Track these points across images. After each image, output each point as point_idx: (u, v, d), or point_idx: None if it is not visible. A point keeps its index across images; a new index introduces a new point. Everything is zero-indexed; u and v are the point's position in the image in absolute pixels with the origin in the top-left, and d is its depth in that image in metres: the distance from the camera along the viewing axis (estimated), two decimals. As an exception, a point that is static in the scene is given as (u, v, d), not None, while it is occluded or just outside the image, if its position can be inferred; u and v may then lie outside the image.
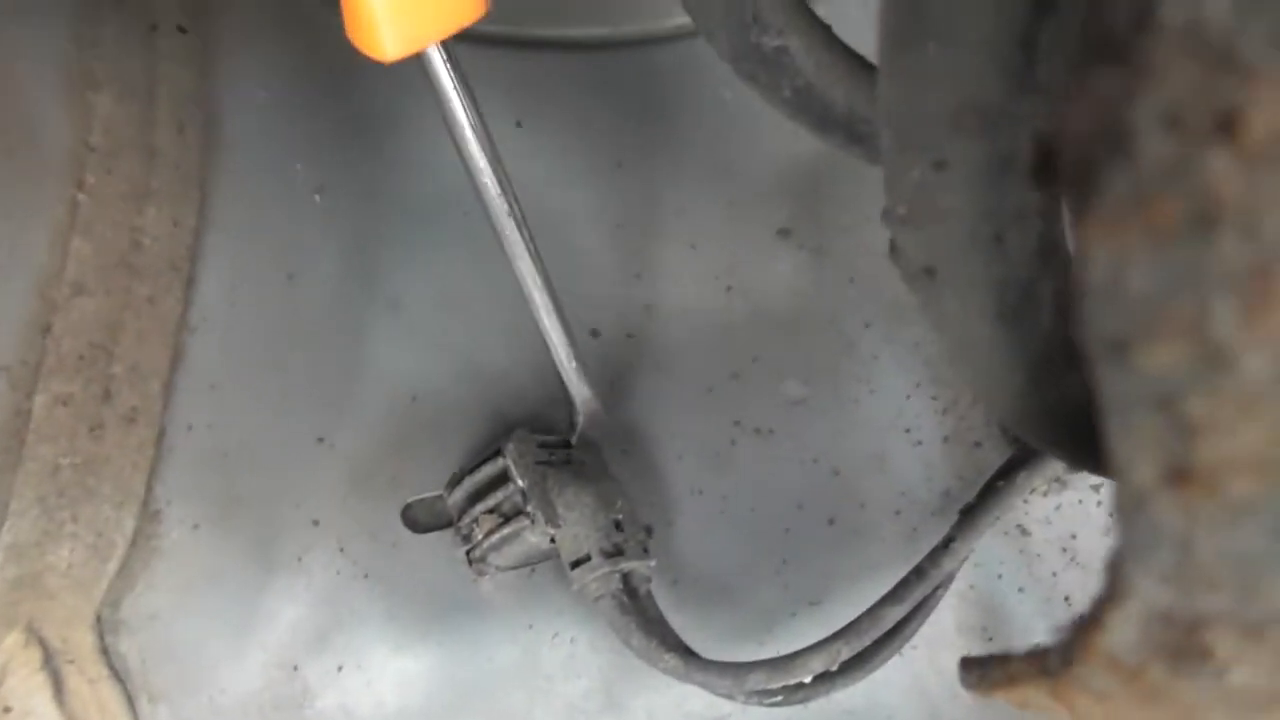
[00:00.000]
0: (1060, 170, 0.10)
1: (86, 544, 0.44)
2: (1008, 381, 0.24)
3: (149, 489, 0.46)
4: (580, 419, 0.58)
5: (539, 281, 0.50)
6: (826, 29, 0.39)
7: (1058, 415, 0.25)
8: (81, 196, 0.43)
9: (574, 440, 0.59)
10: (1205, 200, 0.09)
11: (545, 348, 0.58)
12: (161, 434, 0.46)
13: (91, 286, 0.43)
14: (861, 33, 0.39)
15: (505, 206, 0.45)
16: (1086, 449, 0.23)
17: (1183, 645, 0.14)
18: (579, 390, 0.56)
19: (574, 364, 0.55)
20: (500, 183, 0.44)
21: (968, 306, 0.23)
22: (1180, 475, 0.11)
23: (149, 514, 0.46)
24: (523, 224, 0.46)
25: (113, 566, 0.45)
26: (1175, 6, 0.08)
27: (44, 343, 0.41)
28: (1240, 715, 0.15)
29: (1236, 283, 0.10)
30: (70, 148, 0.43)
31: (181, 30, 0.49)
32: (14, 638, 0.47)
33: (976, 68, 0.18)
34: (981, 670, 0.22)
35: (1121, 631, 0.15)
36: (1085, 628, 0.16)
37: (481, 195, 0.45)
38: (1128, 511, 0.13)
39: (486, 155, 0.43)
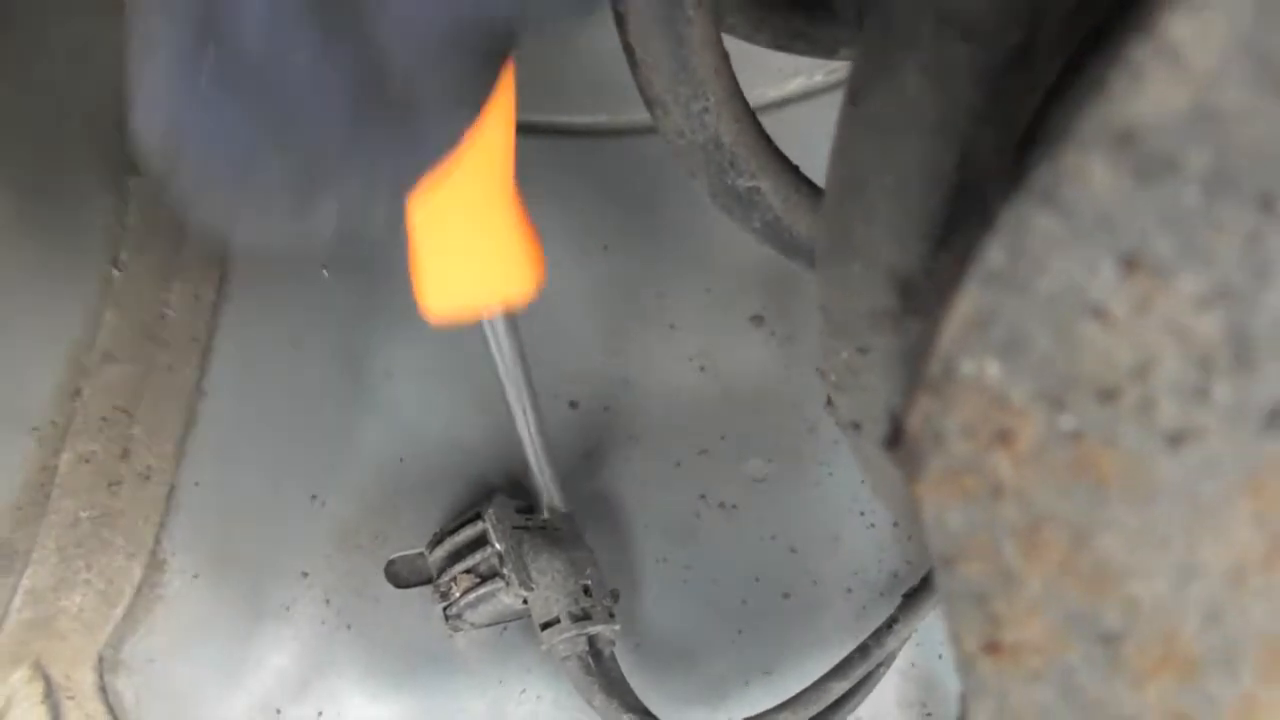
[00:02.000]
0: (904, 443, 0.15)
1: (98, 590, 0.48)
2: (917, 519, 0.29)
3: (157, 541, 0.50)
4: (544, 510, 0.62)
5: (529, 411, 0.56)
6: (795, 170, 0.44)
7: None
8: (115, 272, 0.47)
9: (539, 520, 0.62)
10: (992, 481, 0.14)
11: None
12: (172, 491, 0.50)
13: (119, 355, 0.47)
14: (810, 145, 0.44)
15: (520, 379, 0.53)
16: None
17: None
18: (547, 491, 0.61)
19: (547, 471, 0.60)
20: (519, 366, 0.52)
21: (885, 458, 0.28)
22: (992, 647, 0.16)
23: (155, 563, 0.50)
24: (528, 387, 0.54)
25: (119, 612, 0.49)
26: (969, 366, 0.13)
27: (73, 406, 0.46)
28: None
29: (1017, 531, 0.14)
30: (108, 226, 0.47)
31: (213, 119, 0.54)
32: (21, 673, 0.51)
33: (889, 284, 0.23)
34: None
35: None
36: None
37: (500, 369, 0.52)
38: (962, 669, 0.17)
39: (514, 357, 0.51)
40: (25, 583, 0.45)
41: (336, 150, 0.26)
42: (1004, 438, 0.14)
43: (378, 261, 0.65)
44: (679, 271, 0.76)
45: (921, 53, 0.19)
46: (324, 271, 0.61)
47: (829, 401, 0.28)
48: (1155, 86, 0.11)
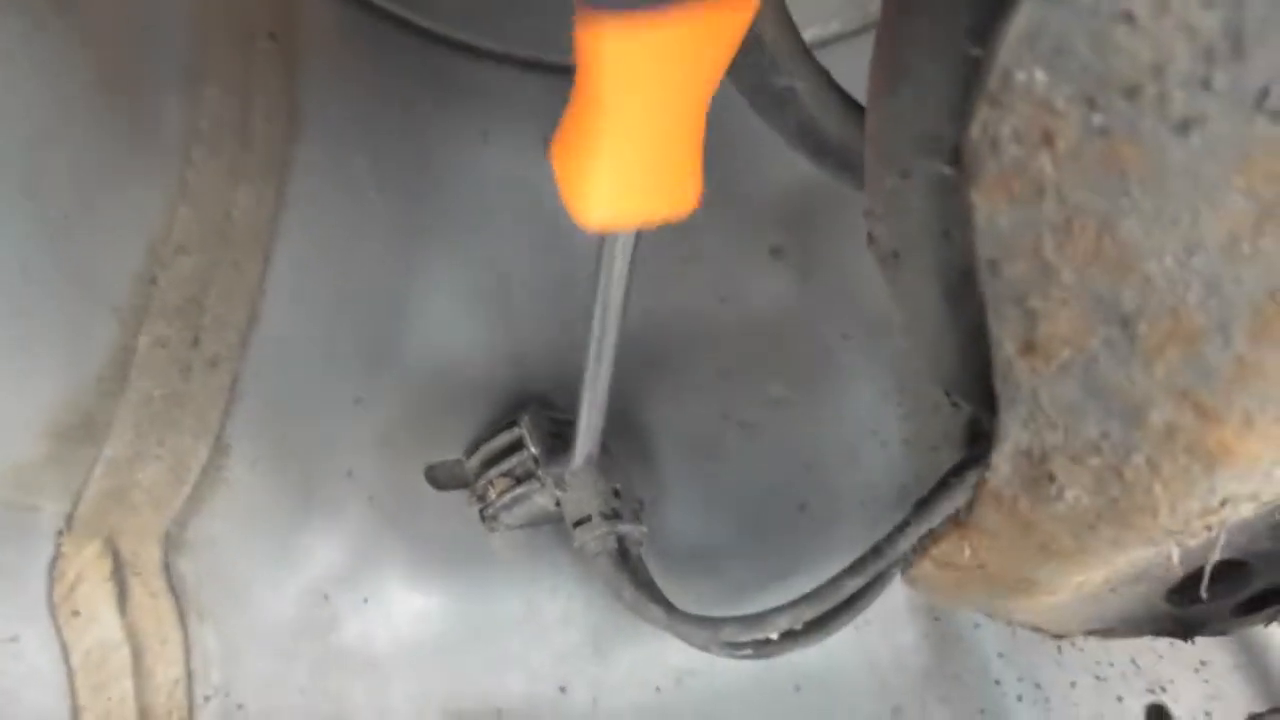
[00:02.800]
0: (963, 154, 0.18)
1: (168, 467, 0.51)
2: (947, 345, 0.32)
3: (222, 426, 0.53)
4: (575, 462, 0.62)
5: (602, 391, 0.56)
6: (826, 74, 0.47)
7: (977, 374, 0.33)
8: (190, 172, 0.50)
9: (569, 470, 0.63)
10: (1036, 181, 0.17)
11: (554, 337, 0.66)
12: (235, 380, 0.53)
13: (191, 248, 0.50)
14: (845, 82, 0.47)
15: (614, 329, 0.51)
16: (989, 403, 0.31)
17: (1036, 475, 0.22)
18: (583, 448, 0.61)
19: (598, 427, 0.59)
20: (619, 316, 0.50)
21: (922, 283, 0.31)
22: (1028, 347, 0.19)
23: (220, 447, 0.53)
24: (614, 339, 0.52)
25: (186, 490, 0.53)
26: (1021, 75, 0.16)
27: (150, 292, 0.49)
28: (1075, 532, 0.23)
29: (1055, 226, 0.18)
30: (183, 131, 0.50)
31: (272, 37, 0.57)
32: (92, 548, 0.54)
33: (934, 106, 0.26)
34: (913, 548, 0.30)
35: (1001, 471, 0.22)
36: (980, 480, 0.24)
37: (600, 311, 0.50)
38: (1001, 378, 0.20)
39: (619, 311, 0.49)
40: (106, 452, 0.48)
41: None
42: (1047, 139, 0.17)
43: (423, 182, 0.68)
44: (703, 205, 0.79)
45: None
46: (372, 191, 0.64)
47: (869, 239, 0.32)
48: None
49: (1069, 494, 0.21)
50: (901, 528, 0.64)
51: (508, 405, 0.68)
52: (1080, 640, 0.67)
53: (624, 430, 0.72)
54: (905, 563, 0.32)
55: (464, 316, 0.69)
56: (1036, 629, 0.37)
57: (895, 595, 0.68)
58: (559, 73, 0.78)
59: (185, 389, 0.50)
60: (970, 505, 0.25)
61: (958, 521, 0.26)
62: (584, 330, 0.68)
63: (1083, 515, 0.22)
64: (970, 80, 0.24)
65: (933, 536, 0.28)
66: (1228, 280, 0.17)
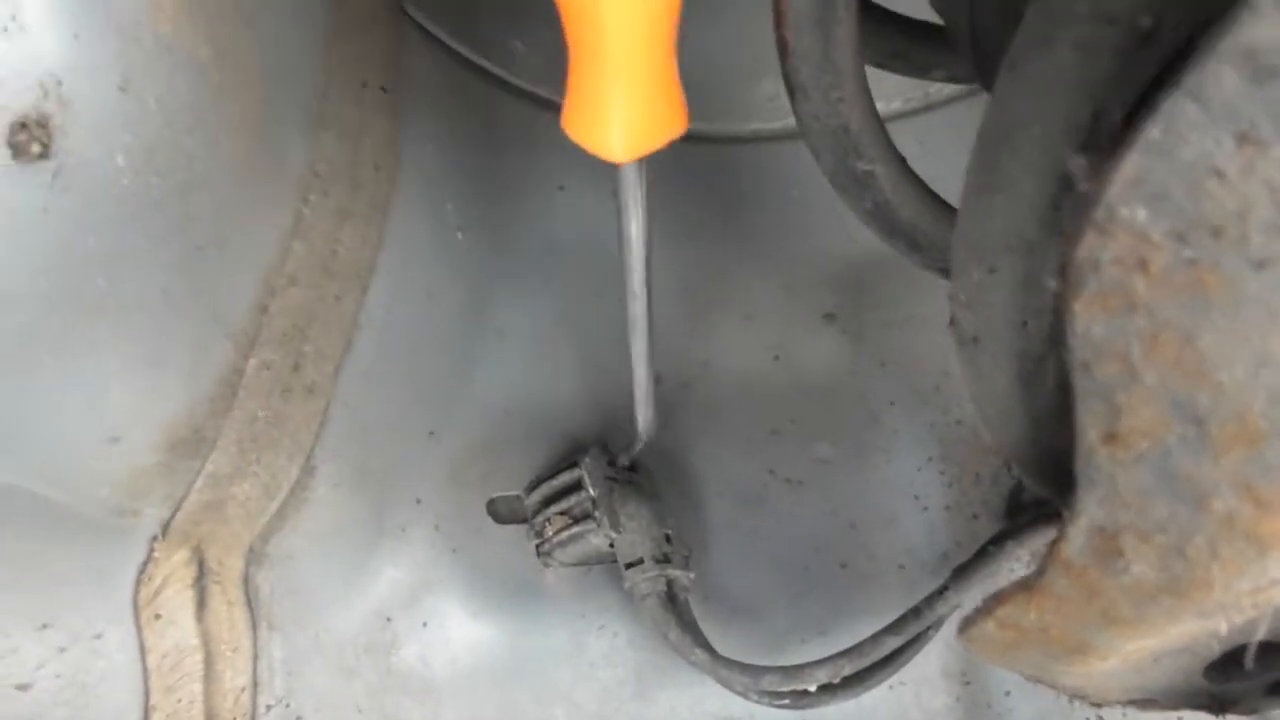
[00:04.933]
0: (1068, 274, 0.22)
1: (262, 483, 0.55)
2: (1018, 428, 0.35)
3: (312, 449, 0.57)
4: (639, 442, 0.67)
5: (644, 331, 0.58)
6: (904, 162, 0.51)
7: (1047, 458, 0.36)
8: (305, 210, 0.54)
9: (632, 455, 0.68)
10: (1129, 298, 0.20)
11: (614, 387, 0.69)
12: (327, 406, 0.57)
13: (300, 280, 0.54)
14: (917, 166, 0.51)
15: (643, 281, 0.53)
16: (1060, 484, 0.34)
17: (1108, 549, 0.25)
18: (645, 415, 0.65)
19: (649, 396, 0.64)
20: (646, 268, 0.53)
21: (998, 369, 0.34)
22: (1111, 437, 0.23)
23: (308, 468, 0.57)
24: (649, 294, 0.55)
25: (274, 506, 0.56)
26: (1124, 211, 0.20)
27: (261, 319, 0.53)
28: (1137, 603, 0.26)
29: (1143, 336, 0.21)
30: (303, 172, 0.55)
31: (383, 90, 0.62)
32: (181, 554, 0.58)
33: (1025, 214, 0.30)
34: (977, 609, 0.33)
35: (1075, 542, 0.25)
36: (1053, 546, 0.27)
37: (627, 273, 0.53)
38: (1082, 461, 0.24)
39: (644, 243, 0.51)
40: (209, 467, 0.52)
41: None
42: (1142, 265, 0.20)
43: (503, 229, 0.73)
44: (760, 268, 0.83)
45: (1074, 30, 0.26)
46: (459, 234, 0.68)
47: (952, 321, 0.35)
48: (1267, 20, 0.17)
49: (1135, 568, 0.24)
50: (941, 591, 0.67)
51: (569, 448, 0.72)
52: (1107, 714, 0.69)
53: (675, 478, 0.75)
54: (966, 622, 0.35)
55: (533, 360, 0.73)
56: (1077, 695, 0.40)
57: (930, 659, 0.71)
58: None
59: (285, 411, 0.54)
60: (1042, 571, 0.28)
61: (1026, 585, 0.29)
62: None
63: (1145, 588, 0.25)
64: (1064, 195, 0.27)
65: (998, 599, 0.31)
66: (1290, 393, 0.20)
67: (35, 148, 0.37)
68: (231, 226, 0.50)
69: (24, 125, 0.37)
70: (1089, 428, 0.23)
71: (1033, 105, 0.27)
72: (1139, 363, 0.21)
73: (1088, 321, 0.22)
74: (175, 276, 0.46)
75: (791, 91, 0.47)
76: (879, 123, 0.48)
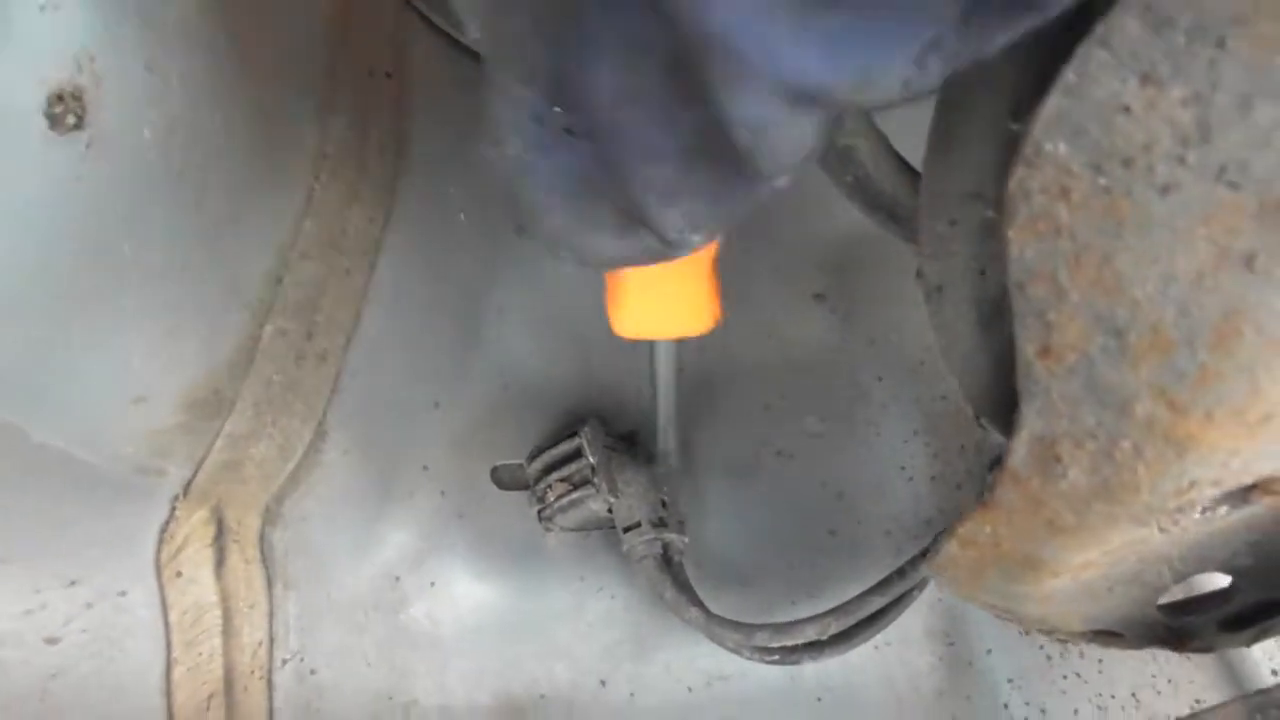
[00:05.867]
0: (1004, 204, 0.25)
1: (278, 444, 0.58)
2: (980, 372, 0.38)
3: (325, 414, 0.60)
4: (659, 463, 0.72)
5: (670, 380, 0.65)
6: (884, 137, 0.54)
7: (1006, 401, 0.39)
8: (317, 189, 0.58)
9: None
10: (1055, 224, 0.23)
11: (609, 365, 0.73)
12: (339, 374, 0.60)
13: (312, 255, 0.57)
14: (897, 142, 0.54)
15: (670, 388, 0.63)
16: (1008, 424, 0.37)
17: (1046, 457, 0.28)
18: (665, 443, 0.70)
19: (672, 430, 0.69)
20: (672, 377, 0.62)
21: (960, 316, 0.37)
22: (1045, 351, 0.26)
23: (320, 432, 0.60)
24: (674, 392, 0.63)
25: (289, 468, 0.59)
26: (1049, 146, 0.23)
27: (276, 289, 0.56)
28: (1075, 509, 0.29)
29: (1067, 258, 0.24)
30: (314, 154, 0.58)
31: (389, 76, 0.65)
32: (201, 514, 0.61)
33: (980, 169, 0.33)
34: (940, 533, 0.36)
35: (1019, 453, 0.28)
36: (1001, 462, 0.30)
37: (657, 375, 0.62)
38: (1022, 376, 0.27)
39: (670, 373, 0.60)
40: (228, 428, 0.55)
41: (660, 192, 0.28)
42: (1065, 193, 0.23)
43: (503, 213, 0.76)
44: (753, 252, 0.86)
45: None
46: (461, 216, 0.71)
47: (919, 273, 0.38)
48: (1162, -24, 0.21)
49: (1071, 473, 0.27)
50: (924, 554, 0.70)
51: (567, 420, 0.75)
52: (1085, 672, 0.72)
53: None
54: (933, 551, 0.38)
55: (532, 338, 0.76)
56: (1043, 628, 0.43)
57: (914, 621, 0.74)
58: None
59: (299, 376, 0.57)
60: (992, 486, 0.31)
61: (981, 502, 0.32)
62: (636, 353, 0.75)
63: (1081, 492, 0.28)
64: (1009, 149, 0.30)
65: (958, 519, 0.34)
66: (1193, 306, 0.23)
67: (70, 119, 0.40)
68: (247, 203, 0.53)
69: (60, 98, 0.40)
70: (1026, 344, 0.26)
71: (982, 71, 0.30)
72: (1065, 282, 0.24)
73: (1021, 246, 0.25)
74: (195, 248, 0.49)
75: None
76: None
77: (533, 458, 0.72)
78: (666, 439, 0.68)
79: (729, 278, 0.85)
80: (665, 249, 0.32)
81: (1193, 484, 0.26)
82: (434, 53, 0.74)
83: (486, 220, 0.74)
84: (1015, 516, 0.31)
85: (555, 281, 0.79)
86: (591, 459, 0.69)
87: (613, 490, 0.68)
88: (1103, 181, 0.23)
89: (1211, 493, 0.27)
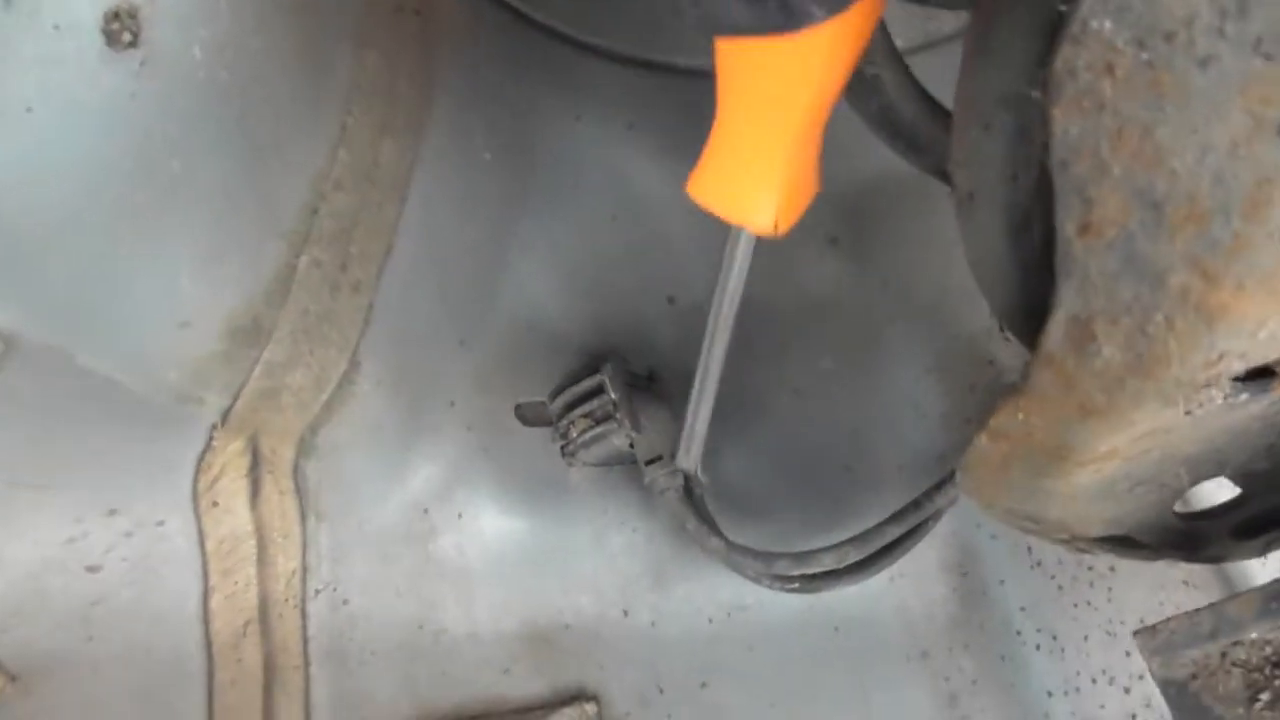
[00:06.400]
0: (1050, 80, 0.26)
1: (314, 374, 0.59)
2: (1009, 283, 0.40)
3: (357, 345, 0.61)
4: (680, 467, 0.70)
5: (713, 377, 0.63)
6: (906, 67, 0.55)
7: (1034, 314, 0.40)
8: (350, 121, 0.59)
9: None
10: (1099, 99, 0.25)
11: (628, 307, 0.74)
12: (371, 306, 0.61)
13: (346, 186, 0.59)
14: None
15: (728, 326, 0.59)
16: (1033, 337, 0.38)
17: (1082, 335, 0.29)
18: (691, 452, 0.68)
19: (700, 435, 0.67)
20: (730, 315, 0.58)
21: (991, 223, 0.39)
22: (1085, 228, 0.27)
23: (354, 363, 0.61)
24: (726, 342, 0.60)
25: (324, 397, 0.61)
26: (1095, 23, 0.24)
27: (312, 220, 0.57)
28: (1107, 388, 0.30)
29: (1110, 133, 0.25)
30: (348, 86, 0.59)
31: (416, 13, 0.66)
32: (237, 444, 0.62)
33: (1017, 70, 0.34)
34: (974, 430, 0.37)
35: (1054, 334, 0.30)
36: (1036, 344, 0.31)
37: (714, 313, 0.58)
38: (1061, 256, 0.28)
39: (735, 305, 0.56)
40: (266, 355, 0.57)
41: None
42: (1109, 69, 0.25)
43: (525, 154, 0.77)
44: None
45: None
46: (486, 155, 0.72)
47: (950, 183, 0.40)
48: None
49: (1105, 350, 0.29)
50: (939, 485, 0.71)
51: (589, 358, 0.76)
52: (1095, 600, 0.74)
53: (689, 392, 0.79)
54: (958, 454, 0.39)
55: (554, 277, 0.77)
56: (1064, 538, 0.44)
57: (928, 554, 0.76)
58: (647, 68, 0.86)
59: (333, 307, 0.58)
60: (1027, 374, 0.32)
61: (1015, 390, 0.33)
62: (655, 295, 0.76)
63: (1115, 370, 0.29)
64: (1052, 37, 0.31)
65: (991, 411, 0.35)
66: (1229, 174, 0.25)
67: (126, 36, 0.41)
68: (287, 130, 0.54)
69: (116, 15, 0.41)
70: (1066, 222, 0.27)
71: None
72: (1107, 156, 0.26)
73: (1065, 124, 0.26)
74: (238, 171, 0.50)
75: None
76: (883, 27, 0.53)
77: (555, 395, 0.74)
78: (697, 416, 0.66)
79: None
80: (786, 17, 0.32)
81: (1221, 356, 0.28)
82: (457, -4, 0.75)
83: (511, 160, 0.75)
84: (1048, 402, 0.32)
85: (575, 224, 0.80)
86: (614, 395, 0.71)
87: (635, 425, 0.70)
88: (1145, 56, 0.24)
89: (1238, 366, 0.29)
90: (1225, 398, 0.33)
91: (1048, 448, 0.35)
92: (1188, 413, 0.32)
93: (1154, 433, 0.34)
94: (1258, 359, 0.29)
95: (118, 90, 0.42)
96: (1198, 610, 0.39)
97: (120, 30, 0.41)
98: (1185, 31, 0.24)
